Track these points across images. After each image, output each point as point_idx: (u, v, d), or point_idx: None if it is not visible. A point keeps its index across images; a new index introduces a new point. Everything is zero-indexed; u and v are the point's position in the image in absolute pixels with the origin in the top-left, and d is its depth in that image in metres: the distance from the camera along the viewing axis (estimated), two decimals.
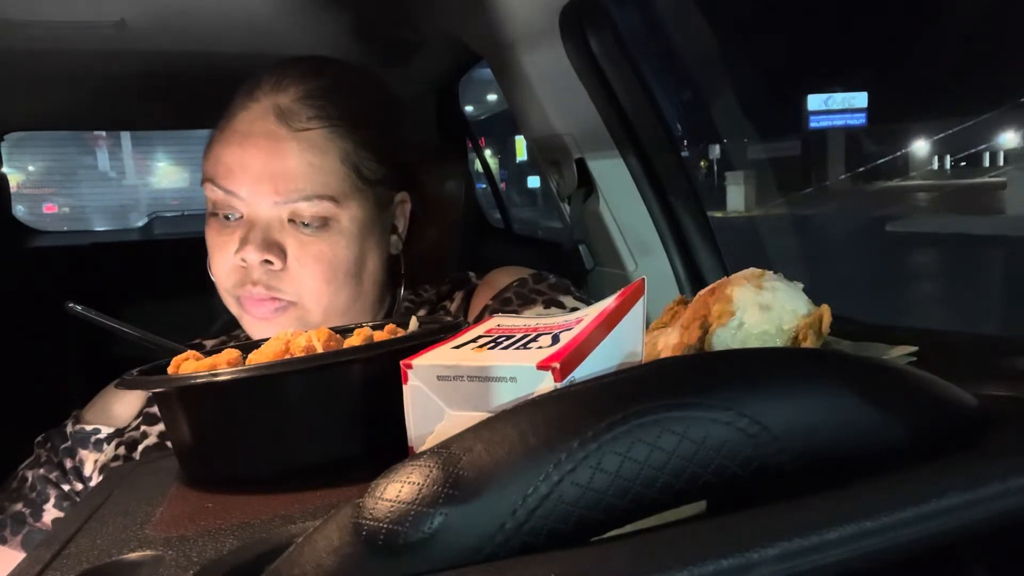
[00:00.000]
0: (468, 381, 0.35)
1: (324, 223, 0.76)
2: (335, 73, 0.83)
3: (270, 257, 0.74)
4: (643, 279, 0.44)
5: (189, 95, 0.79)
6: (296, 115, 0.76)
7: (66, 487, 0.82)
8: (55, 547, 0.38)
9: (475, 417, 0.29)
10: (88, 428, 0.83)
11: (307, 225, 0.76)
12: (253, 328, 0.79)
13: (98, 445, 0.83)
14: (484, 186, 1.88)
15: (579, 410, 0.27)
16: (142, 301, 1.19)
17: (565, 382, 0.33)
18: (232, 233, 0.76)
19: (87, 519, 0.42)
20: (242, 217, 0.76)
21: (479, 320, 0.81)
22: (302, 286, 0.76)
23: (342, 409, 0.47)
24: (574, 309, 0.80)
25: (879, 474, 0.28)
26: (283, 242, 0.75)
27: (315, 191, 0.75)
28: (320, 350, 0.48)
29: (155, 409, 0.82)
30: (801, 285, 0.46)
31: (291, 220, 0.76)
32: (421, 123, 1.59)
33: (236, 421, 0.46)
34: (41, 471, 0.82)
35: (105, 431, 0.83)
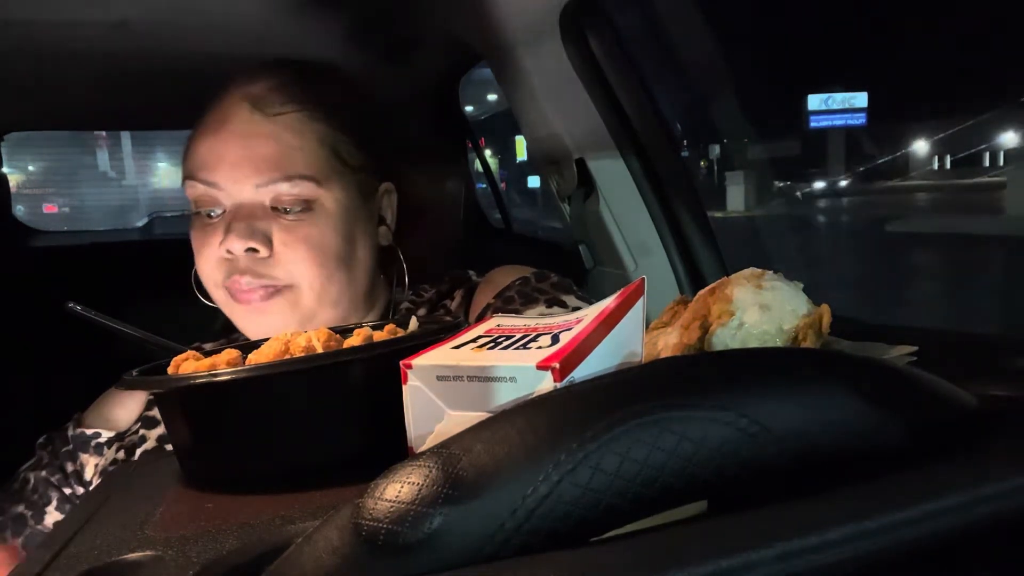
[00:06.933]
0: (468, 381, 0.35)
1: (307, 206, 0.75)
2: (303, 66, 0.83)
3: (254, 244, 0.73)
4: (643, 279, 0.44)
5: (189, 95, 0.78)
6: (269, 102, 0.76)
7: (67, 490, 0.82)
8: (55, 547, 0.38)
9: (475, 417, 0.29)
10: (89, 432, 0.84)
11: (289, 211, 0.74)
12: (246, 321, 0.77)
13: (98, 449, 0.83)
14: (484, 186, 1.88)
15: (578, 410, 0.27)
16: (142, 301, 1.18)
17: (565, 382, 0.33)
18: (215, 228, 0.75)
19: (87, 519, 0.42)
20: (224, 212, 0.75)
21: (481, 319, 0.81)
22: (294, 270, 0.75)
23: (342, 409, 0.47)
24: (576, 308, 0.80)
25: (879, 474, 0.28)
26: (267, 229, 0.74)
27: (296, 171, 0.74)
28: (320, 350, 0.48)
29: (154, 413, 0.82)
30: (801, 285, 0.46)
31: (274, 208, 0.74)
32: (421, 123, 1.58)
33: (236, 421, 0.46)
34: (43, 473, 0.82)
35: (105, 435, 0.83)
